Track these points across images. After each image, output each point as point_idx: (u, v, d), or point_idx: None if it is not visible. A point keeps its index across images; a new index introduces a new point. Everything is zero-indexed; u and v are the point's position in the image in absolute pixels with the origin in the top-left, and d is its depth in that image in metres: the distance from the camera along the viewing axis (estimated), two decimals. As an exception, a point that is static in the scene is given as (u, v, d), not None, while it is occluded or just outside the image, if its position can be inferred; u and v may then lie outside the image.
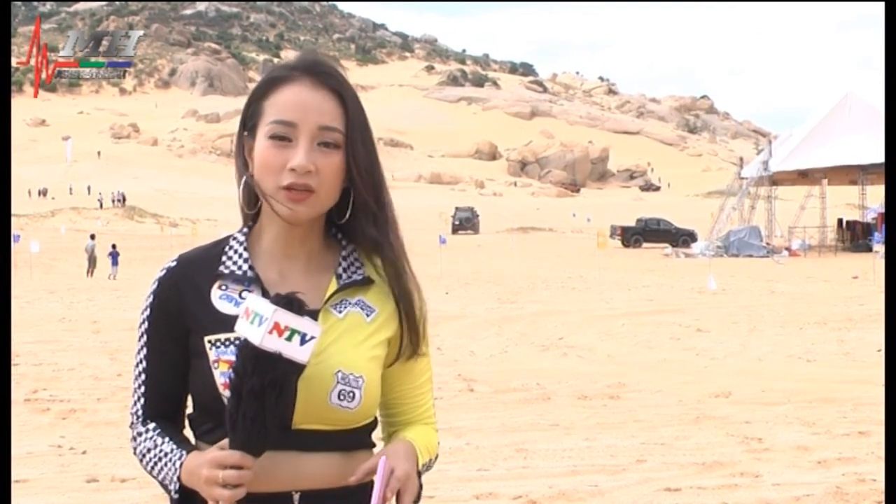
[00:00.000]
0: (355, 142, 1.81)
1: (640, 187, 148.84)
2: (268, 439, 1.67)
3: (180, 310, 1.84)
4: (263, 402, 1.64)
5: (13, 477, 6.32)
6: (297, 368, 1.66)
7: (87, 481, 7.00)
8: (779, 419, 9.19)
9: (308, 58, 1.86)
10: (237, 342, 1.70)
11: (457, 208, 73.52)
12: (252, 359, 1.64)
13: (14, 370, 11.37)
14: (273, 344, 1.63)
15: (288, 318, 1.64)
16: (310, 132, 1.78)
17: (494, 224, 73.44)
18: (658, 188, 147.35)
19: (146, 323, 1.87)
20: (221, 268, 1.85)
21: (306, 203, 1.78)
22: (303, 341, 1.64)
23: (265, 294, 1.79)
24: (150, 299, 1.87)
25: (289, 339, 1.63)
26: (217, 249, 1.89)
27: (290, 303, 1.65)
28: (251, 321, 1.65)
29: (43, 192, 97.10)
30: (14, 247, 29.65)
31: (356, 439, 1.81)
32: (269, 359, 1.63)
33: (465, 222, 69.34)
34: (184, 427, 1.89)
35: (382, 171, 1.88)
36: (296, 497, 1.78)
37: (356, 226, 1.86)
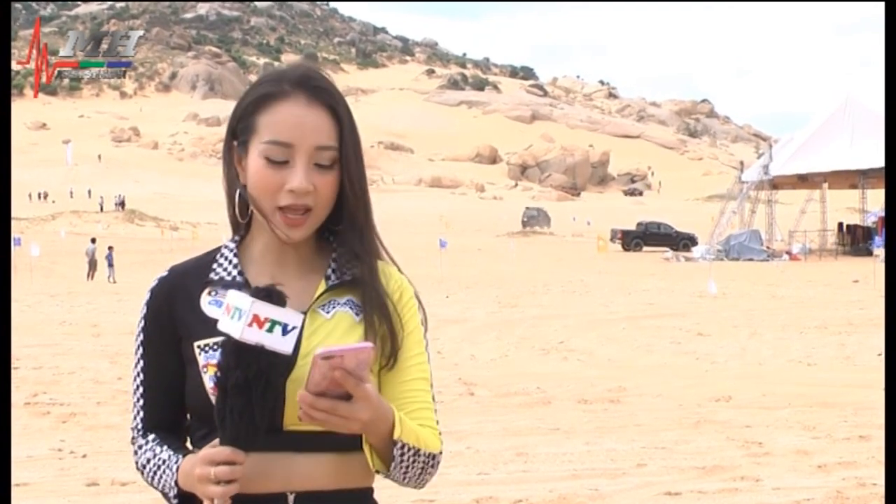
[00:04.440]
0: (349, 158, 1.81)
1: (624, 192, 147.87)
2: (257, 433, 1.66)
3: (172, 318, 1.84)
4: (249, 395, 1.63)
5: (13, 481, 6.32)
6: (282, 360, 1.64)
7: (87, 485, 6.99)
8: (779, 423, 9.18)
9: (299, 71, 1.84)
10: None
11: (527, 208, 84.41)
12: (234, 353, 1.63)
13: (14, 374, 11.37)
14: (254, 336, 1.61)
15: (267, 310, 1.62)
16: (307, 153, 1.77)
17: (495, 228, 73.54)
18: (641, 193, 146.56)
19: (141, 335, 1.88)
20: (212, 275, 1.86)
21: (303, 227, 1.79)
22: (284, 331, 1.63)
23: None
24: (144, 310, 1.88)
25: (269, 330, 1.62)
26: (208, 258, 1.90)
27: (270, 294, 1.64)
28: (231, 316, 1.64)
29: (43, 196, 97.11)
30: (14, 250, 29.65)
31: (351, 440, 1.76)
32: (252, 351, 1.62)
33: (532, 220, 78.28)
34: (186, 437, 1.88)
35: (367, 182, 1.89)
36: (290, 498, 1.77)
37: (343, 238, 1.86)
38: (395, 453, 1.74)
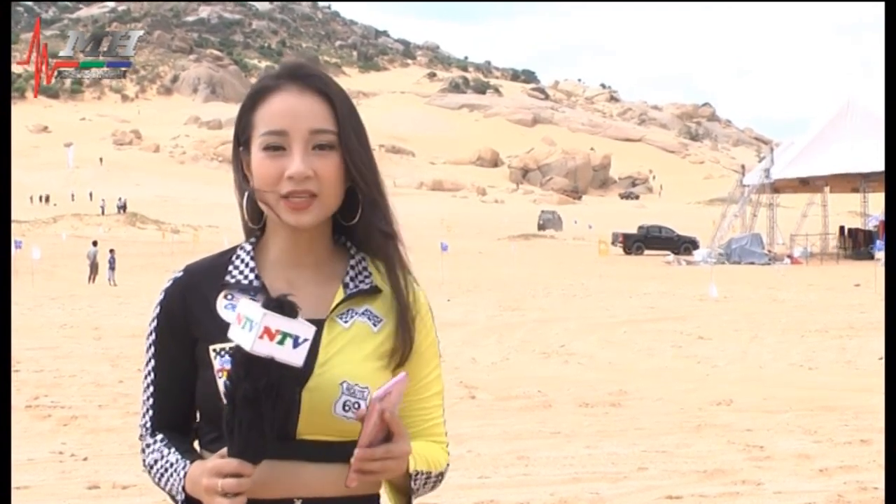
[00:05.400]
0: (349, 139, 1.80)
1: (621, 195, 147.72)
2: (266, 446, 1.65)
3: (186, 319, 1.83)
4: (259, 408, 1.62)
5: (14, 483, 6.32)
6: (293, 372, 1.64)
7: (88, 488, 7.00)
8: (780, 427, 9.18)
9: (291, 64, 1.86)
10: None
11: (542, 211, 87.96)
12: (244, 364, 1.62)
13: (15, 377, 11.37)
14: (264, 348, 1.60)
15: (278, 322, 1.61)
16: (302, 138, 1.77)
17: (496, 231, 73.50)
18: (637, 196, 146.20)
19: (153, 334, 1.87)
20: (228, 277, 1.84)
21: (309, 210, 1.77)
22: (296, 344, 1.62)
23: None
24: (157, 310, 1.87)
25: (281, 342, 1.61)
26: (224, 259, 1.89)
27: (281, 306, 1.63)
28: (243, 326, 1.63)
29: (45, 199, 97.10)
30: (16, 253, 29.68)
31: None
32: (262, 364, 1.61)
33: (547, 223, 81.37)
34: (194, 438, 1.88)
35: (378, 169, 1.87)
36: (297, 503, 1.76)
37: (365, 224, 1.84)
38: (412, 485, 1.80)
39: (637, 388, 11.38)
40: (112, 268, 32.42)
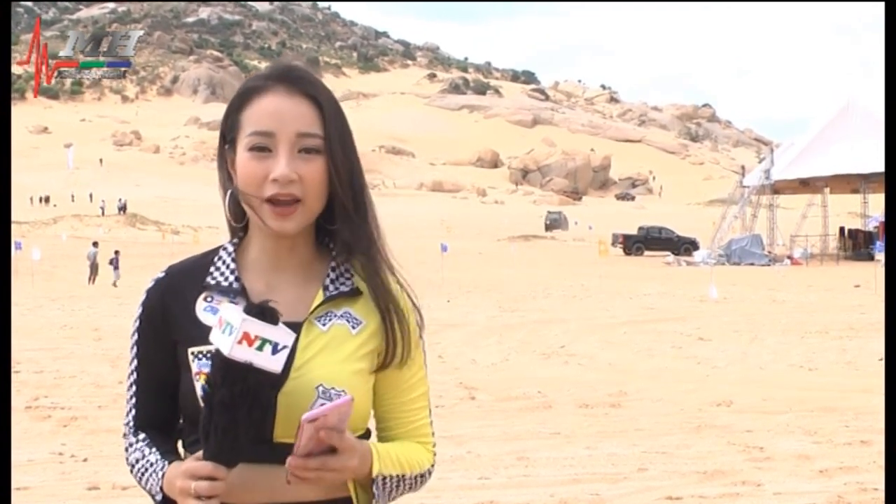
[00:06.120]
0: (333, 144, 1.79)
1: (617, 196, 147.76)
2: (241, 450, 1.66)
3: (167, 321, 1.84)
4: (234, 413, 1.62)
5: (14, 484, 6.32)
6: (271, 378, 1.64)
7: (87, 489, 7.00)
8: (780, 428, 9.18)
9: (281, 65, 1.85)
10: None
11: (548, 212, 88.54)
12: (222, 369, 1.63)
13: (15, 377, 11.37)
14: (243, 354, 1.60)
15: (258, 328, 1.61)
16: (289, 140, 1.77)
17: (496, 232, 73.51)
18: (633, 198, 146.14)
19: (136, 334, 1.88)
20: (208, 279, 1.85)
21: (293, 216, 1.77)
22: (275, 350, 1.62)
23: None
24: (139, 310, 1.88)
25: (259, 348, 1.61)
26: (206, 260, 1.89)
27: (262, 312, 1.63)
28: (223, 331, 1.63)
29: (45, 200, 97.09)
30: (16, 254, 29.68)
31: None
32: (239, 369, 1.61)
33: (554, 223, 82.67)
34: (177, 438, 1.88)
35: (363, 175, 1.87)
36: None
37: (347, 228, 1.83)
38: (375, 490, 1.78)
39: (637, 389, 11.38)
40: (116, 268, 32.38)
